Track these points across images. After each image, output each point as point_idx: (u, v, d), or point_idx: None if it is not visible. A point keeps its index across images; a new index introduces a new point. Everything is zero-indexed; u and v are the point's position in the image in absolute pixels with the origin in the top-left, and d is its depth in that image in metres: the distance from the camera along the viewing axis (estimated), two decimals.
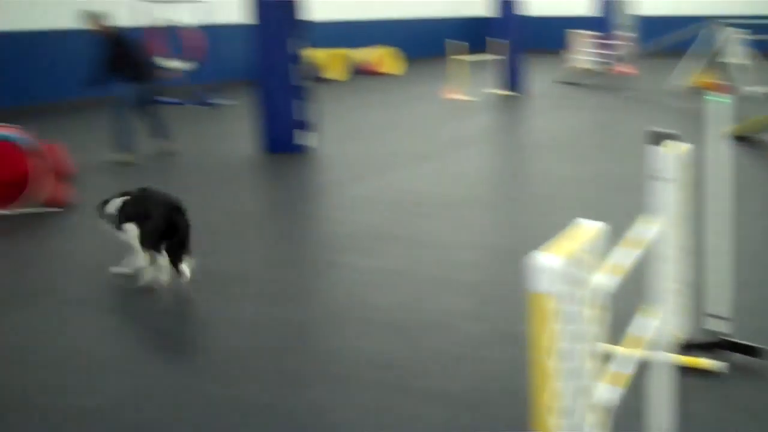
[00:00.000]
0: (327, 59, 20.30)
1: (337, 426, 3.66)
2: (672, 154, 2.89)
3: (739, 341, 4.25)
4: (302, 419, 3.71)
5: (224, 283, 5.62)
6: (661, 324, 2.89)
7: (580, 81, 19.34)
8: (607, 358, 3.91)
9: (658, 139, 2.88)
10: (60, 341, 4.68)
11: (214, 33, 15.21)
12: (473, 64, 18.37)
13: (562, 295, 2.56)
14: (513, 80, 17.19)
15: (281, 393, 3.97)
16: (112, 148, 10.03)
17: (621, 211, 7.21)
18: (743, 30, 18.80)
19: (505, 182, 9.20)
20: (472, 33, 28.61)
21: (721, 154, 4.16)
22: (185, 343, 4.59)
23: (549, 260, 2.42)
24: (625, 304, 4.69)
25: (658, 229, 2.95)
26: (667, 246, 2.90)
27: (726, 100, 4.16)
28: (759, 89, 16.21)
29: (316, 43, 19.22)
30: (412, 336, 4.63)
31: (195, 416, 3.77)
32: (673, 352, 4.18)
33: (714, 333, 4.29)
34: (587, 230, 2.80)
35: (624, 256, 3.25)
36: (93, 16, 9.87)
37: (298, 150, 10.41)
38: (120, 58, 9.82)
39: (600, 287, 2.84)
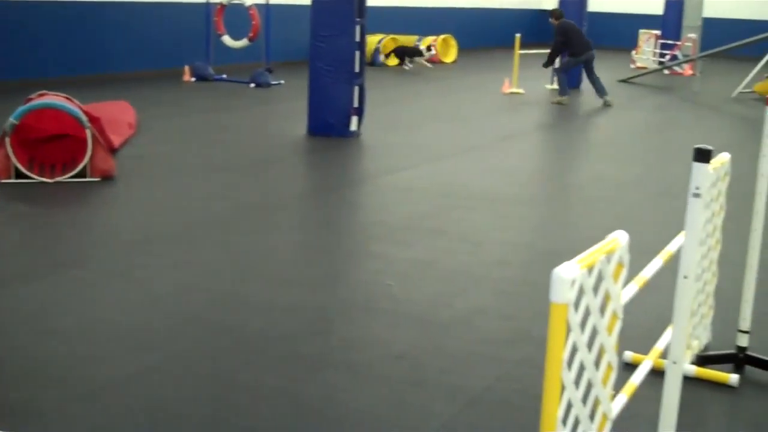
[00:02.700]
0: (382, 44, 20.26)
1: (346, 414, 3.67)
2: (707, 170, 2.82)
3: (754, 355, 4.18)
4: (313, 405, 3.73)
5: (256, 264, 5.67)
6: (677, 336, 2.84)
7: (642, 80, 19.02)
8: (621, 368, 3.89)
9: (700, 155, 2.81)
10: (83, 312, 4.76)
11: (267, 11, 15.26)
12: (533, 57, 18.20)
13: (579, 306, 2.54)
14: (570, 76, 16.95)
15: (296, 378, 3.99)
16: None
17: (663, 219, 7.15)
18: None
19: (551, 180, 9.11)
20: (535, 26, 28.37)
21: (762, 168, 4.07)
22: (209, 323, 4.63)
23: (568, 271, 2.40)
24: (647, 315, 4.66)
25: (683, 243, 2.89)
26: (690, 260, 2.84)
27: None
28: None
29: (373, 28, 19.24)
30: (434, 330, 4.62)
31: (209, 396, 3.81)
32: (688, 364, 4.13)
33: (733, 345, 4.23)
34: (614, 241, 2.76)
35: (648, 269, 3.21)
36: None
37: (346, 135, 10.42)
38: None
39: (617, 299, 2.80)
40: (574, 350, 2.55)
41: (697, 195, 2.79)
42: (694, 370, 4.14)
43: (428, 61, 20.08)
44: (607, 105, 14.61)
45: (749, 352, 4.21)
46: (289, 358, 4.22)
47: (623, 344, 4.19)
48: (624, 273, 2.80)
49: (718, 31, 24.97)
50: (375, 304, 5.01)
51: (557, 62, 15.39)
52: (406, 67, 19.57)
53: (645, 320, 4.64)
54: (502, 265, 5.81)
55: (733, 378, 4.06)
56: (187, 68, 15.85)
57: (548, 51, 15.20)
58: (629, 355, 4.24)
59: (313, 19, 10.40)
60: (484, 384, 4.01)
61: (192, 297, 5.02)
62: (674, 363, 2.84)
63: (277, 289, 5.20)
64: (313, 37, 10.40)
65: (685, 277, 2.82)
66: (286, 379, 3.98)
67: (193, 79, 15.72)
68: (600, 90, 14.79)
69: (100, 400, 3.74)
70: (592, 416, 2.80)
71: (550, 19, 15.10)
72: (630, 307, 4.36)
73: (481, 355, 4.34)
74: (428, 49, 19.81)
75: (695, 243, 2.84)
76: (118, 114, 10.47)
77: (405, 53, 19.85)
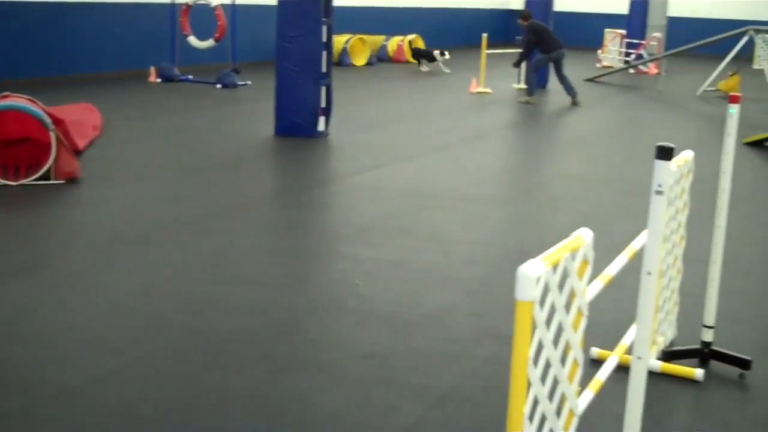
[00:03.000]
0: (350, 45, 20.25)
1: (315, 414, 3.66)
2: (669, 168, 2.85)
3: (720, 350, 4.23)
4: (282, 406, 3.72)
5: (223, 266, 5.63)
6: (641, 331, 2.86)
7: (608, 79, 19.17)
8: (588, 364, 3.91)
9: (663, 153, 2.84)
10: (48, 315, 4.70)
11: (233, 12, 15.20)
12: (500, 57, 18.29)
13: (545, 303, 2.55)
14: (537, 75, 17.04)
15: (264, 379, 3.98)
16: None
17: (629, 216, 7.21)
18: None
19: (518, 179, 9.15)
20: (502, 25, 28.50)
21: (724, 165, 4.11)
22: (176, 326, 4.60)
23: (533, 269, 2.41)
24: (613, 311, 4.70)
25: (646, 239, 2.91)
26: (653, 257, 2.86)
27: (733, 110, 4.11)
28: None
29: (340, 28, 19.21)
30: (402, 329, 4.62)
31: (177, 398, 3.78)
32: (654, 359, 4.17)
33: (698, 340, 4.28)
34: (578, 239, 2.78)
35: (613, 266, 3.23)
36: None
37: (314, 135, 10.40)
38: None
39: (582, 296, 2.82)
40: (540, 347, 2.56)
41: (659, 192, 2.82)
42: (660, 365, 4.18)
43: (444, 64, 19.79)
44: (575, 104, 14.72)
45: (714, 347, 4.26)
46: (257, 359, 4.20)
47: (590, 341, 4.22)
48: (589, 270, 2.82)
49: (682, 30, 25.24)
50: (343, 304, 5.00)
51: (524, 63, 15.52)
52: (424, 69, 19.62)
53: (611, 317, 4.67)
54: (470, 264, 5.82)
55: (699, 373, 4.11)
56: (152, 69, 15.73)
57: (516, 50, 15.28)
58: (595, 351, 4.27)
59: (280, 19, 10.37)
60: (452, 382, 4.01)
61: (158, 299, 4.98)
62: (639, 358, 2.86)
63: (245, 290, 5.18)
64: (279, 37, 10.36)
65: (649, 274, 2.85)
66: (255, 381, 3.96)
67: (159, 80, 15.61)
68: (569, 89, 14.89)
69: (66, 404, 3.70)
70: (558, 413, 2.81)
71: (518, 20, 15.18)
72: (596, 304, 4.39)
73: (449, 353, 4.34)
74: (441, 53, 19.61)
75: (658, 239, 2.87)
76: (83, 116, 10.36)
77: (420, 55, 20.19)
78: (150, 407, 3.69)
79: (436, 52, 19.60)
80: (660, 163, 2.82)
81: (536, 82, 15.25)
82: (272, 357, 4.23)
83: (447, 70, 19.40)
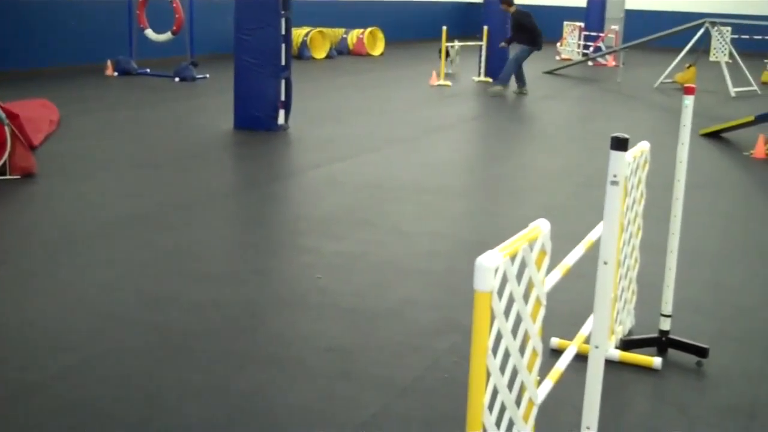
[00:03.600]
0: (310, 38, 20.17)
1: (275, 409, 3.65)
2: (624, 158, 2.87)
3: (677, 338, 4.29)
4: (242, 401, 3.70)
5: (181, 261, 5.59)
6: (598, 321, 2.89)
7: (567, 72, 19.31)
8: (548, 354, 3.95)
9: (617, 144, 2.86)
10: (3, 313, 4.63)
11: (191, 4, 15.07)
12: (459, 50, 18.33)
13: (503, 294, 2.56)
14: (497, 68, 17.12)
15: (224, 374, 3.95)
16: None
17: (587, 207, 7.27)
18: (730, 29, 18.85)
19: (478, 171, 9.19)
20: (462, 18, 28.58)
21: (680, 155, 4.16)
22: (134, 322, 4.55)
23: (491, 259, 2.42)
24: (573, 302, 4.74)
25: (603, 230, 2.94)
26: (609, 246, 2.88)
27: (688, 101, 4.16)
28: (738, 89, 16.25)
29: (299, 20, 19.13)
30: (364, 322, 4.62)
31: (136, 395, 3.74)
32: (613, 349, 4.22)
33: (656, 329, 4.33)
34: (536, 229, 2.79)
35: (571, 256, 3.26)
36: None
37: (273, 129, 10.35)
38: None
39: (540, 286, 2.84)
40: (499, 337, 2.58)
41: (614, 183, 2.84)
42: (618, 354, 4.22)
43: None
44: (522, 94, 14.95)
45: (671, 336, 4.32)
46: (217, 354, 4.18)
47: (550, 331, 4.27)
48: (547, 260, 2.84)
49: (640, 22, 25.51)
50: (304, 298, 4.98)
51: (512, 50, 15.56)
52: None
53: (571, 307, 4.71)
54: (430, 256, 5.84)
55: (657, 361, 4.16)
56: (109, 62, 15.55)
57: (476, 43, 15.31)
58: (555, 341, 4.30)
59: (238, 11, 10.29)
60: (413, 374, 4.02)
61: (116, 296, 4.93)
62: (596, 347, 2.88)
63: (204, 285, 5.14)
64: (237, 30, 10.29)
65: (605, 263, 2.87)
66: (216, 376, 3.94)
67: (116, 73, 15.44)
68: (521, 79, 15.01)
69: (24, 402, 3.65)
70: (518, 402, 2.83)
71: (502, 6, 15.26)
72: (556, 295, 4.44)
73: (411, 345, 4.35)
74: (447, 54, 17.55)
75: (614, 229, 2.89)
76: (39, 111, 10.22)
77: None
78: (111, 403, 3.66)
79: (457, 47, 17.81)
80: (615, 154, 2.84)
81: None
82: (233, 352, 4.20)
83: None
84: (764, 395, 3.93)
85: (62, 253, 5.65)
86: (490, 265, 2.39)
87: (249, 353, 4.20)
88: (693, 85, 4.27)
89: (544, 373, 3.23)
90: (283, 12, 10.21)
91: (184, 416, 3.57)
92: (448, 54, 17.40)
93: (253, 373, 3.98)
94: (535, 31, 15.00)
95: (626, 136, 2.90)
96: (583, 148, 10.41)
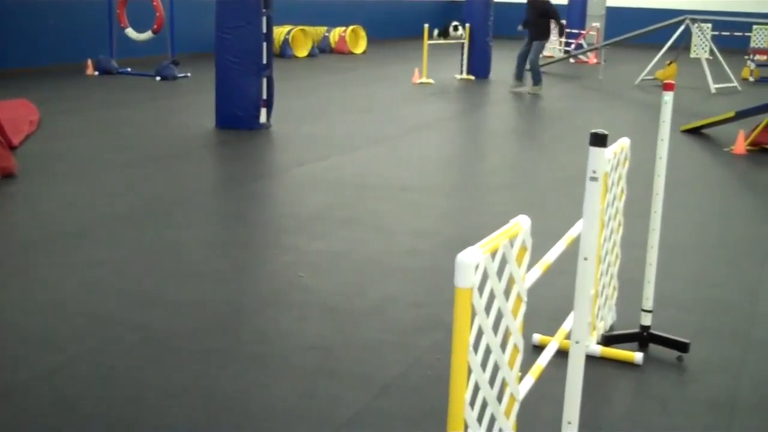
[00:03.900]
0: (291, 36, 20.14)
1: (258, 407, 3.65)
2: (603, 154, 2.89)
3: (658, 333, 4.32)
4: (224, 400, 3.70)
5: (164, 260, 5.57)
6: (579, 316, 2.90)
7: (548, 69, 19.37)
8: (530, 350, 3.97)
9: (597, 140, 2.88)
10: None
11: (171, 3, 15.02)
12: (441, 47, 18.35)
13: (483, 290, 2.57)
14: (479, 66, 17.18)
15: (207, 373, 3.95)
16: None
17: (569, 204, 7.30)
18: (711, 25, 18.96)
19: (461, 169, 9.21)
20: (444, 16, 28.60)
21: (660, 151, 4.19)
22: (116, 322, 4.54)
23: (472, 256, 2.43)
24: (555, 298, 4.76)
25: (583, 225, 2.96)
26: (589, 242, 2.90)
27: (667, 98, 4.18)
28: (718, 86, 16.35)
29: (281, 19, 19.10)
30: (346, 320, 4.62)
31: (119, 395, 3.73)
32: (595, 344, 4.24)
33: (637, 324, 4.36)
34: (516, 226, 2.80)
35: (551, 253, 3.27)
36: None
37: (256, 127, 10.33)
38: None
39: (521, 282, 2.85)
40: (480, 334, 2.59)
41: (594, 179, 2.86)
42: (599, 349, 4.24)
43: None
44: (518, 91, 15.00)
45: (653, 331, 4.34)
46: (199, 353, 4.17)
47: (532, 327, 4.29)
48: (527, 256, 2.85)
49: (620, 19, 25.61)
50: (286, 296, 4.98)
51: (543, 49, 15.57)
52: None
53: (553, 303, 4.73)
54: (413, 254, 5.85)
55: (638, 356, 4.19)
56: (89, 62, 15.47)
57: (458, 41, 15.31)
58: (537, 337, 4.32)
59: (219, 10, 10.26)
60: (396, 371, 4.03)
61: (98, 295, 4.91)
62: (577, 342, 2.90)
63: (186, 284, 5.13)
64: (218, 28, 10.26)
65: (586, 259, 2.89)
66: (197, 375, 3.93)
67: (97, 73, 15.36)
68: (521, 77, 15.22)
69: (7, 402, 3.63)
70: (500, 398, 2.84)
71: None
72: (539, 291, 4.45)
73: (393, 343, 4.36)
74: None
75: (594, 225, 2.91)
76: (18, 111, 10.14)
77: None
78: (93, 403, 3.64)
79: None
80: (594, 150, 2.86)
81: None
82: (215, 351, 4.20)
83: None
84: (744, 389, 3.96)
85: (43, 253, 5.62)
86: (471, 262, 2.40)
87: (232, 352, 4.19)
88: (672, 82, 4.29)
89: (526, 369, 3.24)
90: (264, 10, 10.18)
91: (167, 415, 3.56)
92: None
93: (236, 372, 3.97)
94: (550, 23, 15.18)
95: (605, 132, 2.91)
96: (565, 144, 10.45)
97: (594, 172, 2.87)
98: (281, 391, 3.80)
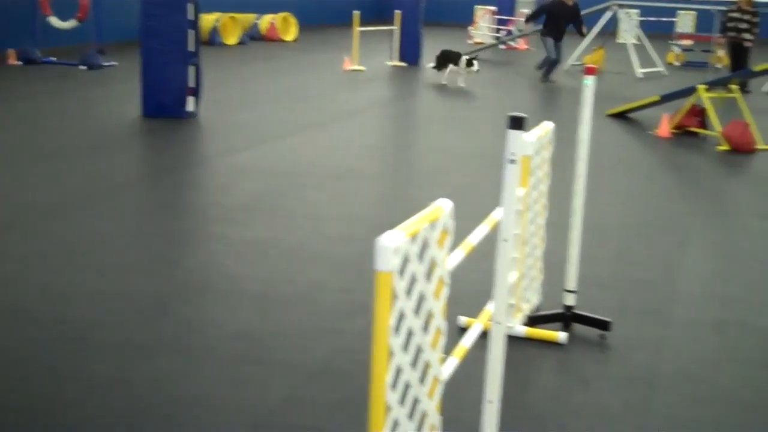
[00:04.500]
0: (220, 23, 19.89)
1: (183, 397, 3.60)
2: (522, 137, 2.91)
3: (581, 313, 4.39)
4: (148, 391, 3.64)
5: (86, 252, 5.46)
6: (499, 297, 2.93)
7: (479, 55, 19.50)
8: (457, 333, 4.00)
9: (515, 123, 2.90)
10: None
11: None
12: (372, 34, 18.33)
13: (405, 273, 2.57)
14: (410, 52, 17.22)
15: (129, 365, 3.88)
16: None
17: (497, 188, 7.34)
18: (638, 11, 19.29)
19: (392, 155, 9.22)
20: (375, 3, 28.56)
21: (581, 134, 4.25)
22: (35, 315, 4.43)
23: (392, 239, 2.43)
24: (483, 281, 4.80)
25: (503, 208, 2.98)
26: (508, 224, 2.92)
27: (588, 82, 4.24)
28: (645, 70, 16.65)
29: (209, 6, 18.85)
30: (273, 308, 4.59)
31: (39, 389, 3.65)
32: (520, 325, 4.30)
33: (561, 305, 4.42)
34: (438, 210, 2.81)
35: (474, 235, 3.29)
36: None
37: (183, 116, 10.18)
38: None
39: (443, 265, 2.86)
40: (402, 317, 2.59)
41: (513, 161, 2.88)
42: (525, 330, 4.29)
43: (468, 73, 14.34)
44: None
45: (576, 311, 4.41)
46: (122, 345, 4.09)
47: (459, 309, 4.32)
48: (449, 239, 2.86)
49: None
50: (213, 285, 4.93)
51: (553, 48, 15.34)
52: (444, 80, 14.33)
53: (480, 286, 4.76)
54: (341, 240, 5.84)
55: (562, 336, 4.25)
56: (11, 51, 15.05)
57: (389, 27, 15.23)
58: (463, 319, 4.35)
59: None
60: (323, 357, 4.02)
61: (17, 289, 4.79)
62: (498, 323, 2.92)
63: (109, 276, 5.03)
64: (143, 15, 10.08)
65: (505, 241, 2.91)
66: (120, 367, 3.86)
67: (20, 62, 14.96)
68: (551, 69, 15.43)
69: None
70: (423, 380, 2.85)
71: None
72: (466, 274, 4.50)
73: (321, 329, 4.35)
74: (470, 62, 13.97)
75: (513, 207, 2.93)
76: None
77: (448, 59, 14.32)
78: (12, 398, 3.56)
79: (463, 59, 14.00)
80: (512, 133, 2.88)
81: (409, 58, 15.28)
82: (138, 342, 4.13)
83: (462, 84, 14.14)
84: (664, 365, 4.05)
85: None
86: (391, 245, 2.40)
87: (155, 343, 4.13)
88: (594, 66, 4.36)
89: (451, 351, 3.26)
90: None
91: (87, 408, 3.49)
92: (471, 63, 13.97)
93: (159, 363, 3.91)
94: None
95: (523, 115, 2.94)
96: (494, 129, 10.53)
97: (513, 154, 2.89)
98: (206, 380, 3.76)
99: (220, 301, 4.68)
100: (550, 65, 15.16)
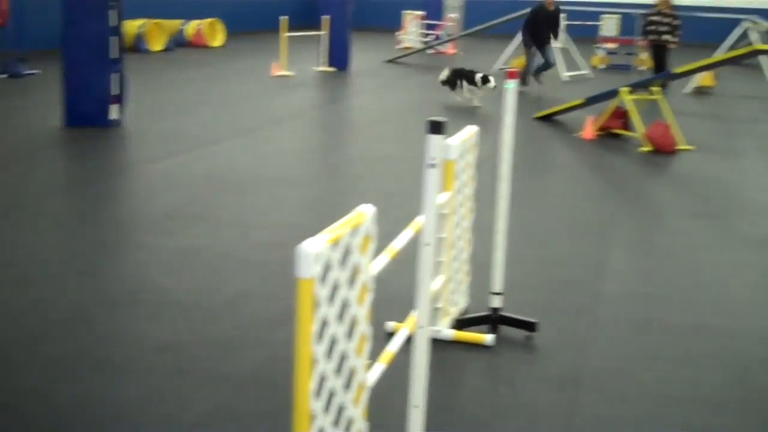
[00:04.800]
0: (144, 29, 19.59)
1: (104, 411, 3.52)
2: (441, 141, 2.92)
3: (508, 315, 4.42)
4: (67, 406, 3.54)
5: (3, 263, 5.30)
6: (421, 301, 2.92)
7: (408, 60, 19.58)
8: (384, 338, 3.99)
9: (434, 127, 2.91)
10: None
11: None
12: (300, 39, 18.25)
13: (327, 280, 2.55)
14: (338, 58, 17.20)
15: (48, 379, 3.77)
16: None
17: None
18: (565, 15, 19.56)
19: (320, 160, 9.18)
20: (302, 8, 28.47)
21: (504, 137, 4.28)
22: None
23: (313, 246, 2.41)
24: (408, 286, 4.80)
25: (425, 212, 2.98)
26: (430, 228, 2.92)
27: (510, 85, 4.28)
28: (570, 73, 16.92)
29: (133, 12, 18.57)
30: (200, 318, 4.52)
31: None
32: (447, 329, 4.31)
33: (488, 307, 4.44)
34: (360, 215, 2.80)
35: (398, 240, 3.29)
36: None
37: (106, 124, 9.98)
38: None
39: (366, 271, 2.84)
40: (325, 324, 2.57)
41: (432, 165, 2.88)
42: (452, 333, 4.30)
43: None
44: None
45: (503, 313, 4.44)
46: (40, 360, 3.98)
47: (387, 315, 4.31)
48: (372, 245, 2.85)
49: (478, 11, 26.15)
50: (137, 297, 4.83)
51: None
52: (459, 98, 13.26)
53: (408, 291, 4.74)
54: (269, 248, 5.78)
55: (489, 338, 4.27)
56: None
57: (316, 32, 15.21)
58: (391, 324, 4.34)
59: (64, 3, 9.86)
60: (250, 367, 3.97)
61: None
62: (421, 327, 2.92)
63: (26, 290, 4.88)
64: (65, 22, 9.86)
65: (427, 245, 2.91)
66: (36, 383, 3.75)
67: None
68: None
69: None
70: (348, 386, 2.83)
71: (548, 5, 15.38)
72: (394, 279, 4.50)
73: (248, 338, 4.29)
74: (485, 79, 12.97)
75: (433, 211, 2.94)
76: None
77: (461, 76, 13.40)
78: None
79: (478, 77, 13.03)
80: (432, 137, 2.88)
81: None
82: (57, 357, 4.02)
83: (477, 103, 13.08)
84: (589, 365, 4.10)
85: None
86: (312, 252, 2.38)
87: (76, 357, 4.02)
88: (515, 69, 4.39)
89: (378, 356, 3.25)
90: (112, 3, 9.85)
91: (9, 427, 3.38)
92: (487, 81, 13.01)
93: (81, 377, 3.81)
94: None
95: (442, 119, 2.94)
96: (421, 134, 10.55)
97: (433, 158, 2.89)
98: (130, 394, 3.67)
99: (145, 313, 4.59)
100: (539, 68, 15.39)
